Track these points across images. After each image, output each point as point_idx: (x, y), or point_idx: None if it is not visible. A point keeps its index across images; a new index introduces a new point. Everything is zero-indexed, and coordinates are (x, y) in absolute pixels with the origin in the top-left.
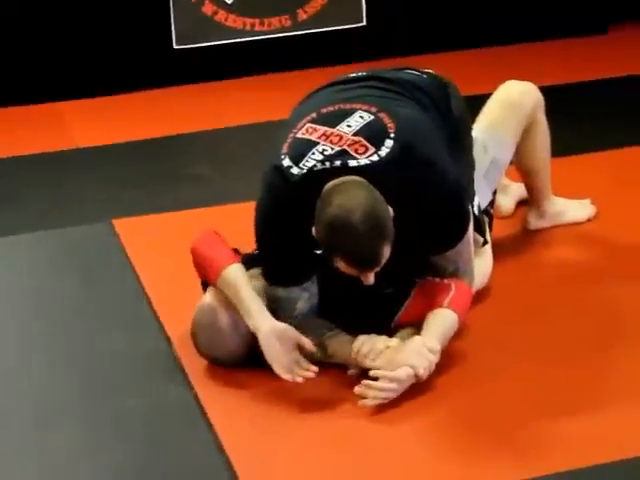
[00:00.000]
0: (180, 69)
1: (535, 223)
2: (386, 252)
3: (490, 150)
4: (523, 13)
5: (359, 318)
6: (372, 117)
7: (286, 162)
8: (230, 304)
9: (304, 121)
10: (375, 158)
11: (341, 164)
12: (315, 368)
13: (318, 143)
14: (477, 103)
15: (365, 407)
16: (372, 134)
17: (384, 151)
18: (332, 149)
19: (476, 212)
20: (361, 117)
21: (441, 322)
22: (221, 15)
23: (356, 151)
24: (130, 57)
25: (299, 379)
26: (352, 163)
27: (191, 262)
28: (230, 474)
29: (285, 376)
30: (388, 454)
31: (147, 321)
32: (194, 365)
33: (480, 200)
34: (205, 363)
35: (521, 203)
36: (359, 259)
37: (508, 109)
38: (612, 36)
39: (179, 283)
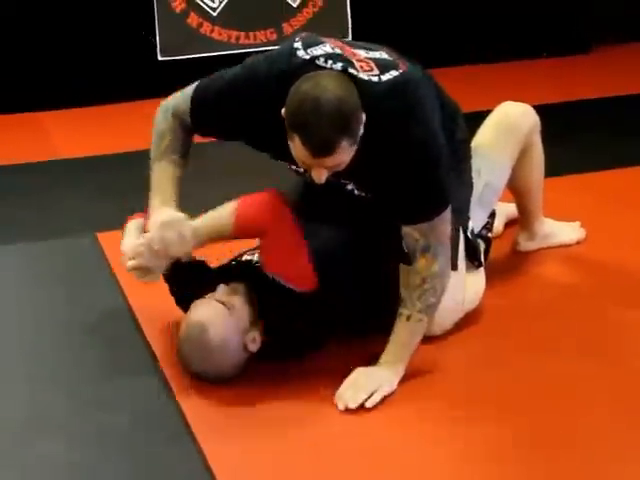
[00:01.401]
0: (164, 81)
1: (525, 244)
2: (344, 147)
3: (484, 174)
4: (508, 32)
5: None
6: (391, 59)
7: (297, 44)
8: (218, 319)
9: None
10: (374, 79)
11: (342, 67)
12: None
13: (333, 48)
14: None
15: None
16: (382, 62)
17: (386, 76)
18: (342, 55)
19: (470, 236)
20: (381, 54)
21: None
22: (206, 27)
23: (361, 67)
24: (114, 68)
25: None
26: (352, 71)
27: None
28: None
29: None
30: (380, 459)
31: (131, 335)
32: (179, 380)
33: (474, 224)
34: (190, 378)
35: (509, 223)
36: (316, 140)
37: (504, 132)
38: (595, 56)
39: (164, 297)
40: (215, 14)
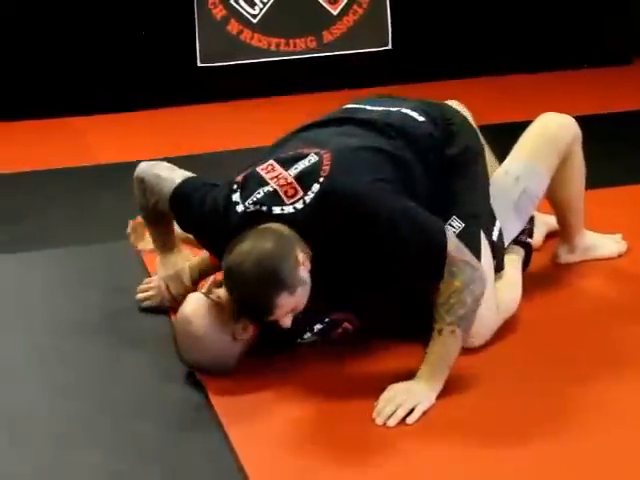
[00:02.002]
0: (204, 87)
1: (565, 257)
2: (283, 301)
3: (522, 181)
4: (548, 42)
5: None
6: (317, 159)
7: (235, 196)
8: (201, 312)
9: (272, 157)
10: (299, 206)
11: (266, 210)
12: None
13: (268, 184)
14: (501, 131)
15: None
16: (304, 176)
17: (309, 197)
18: (269, 194)
19: (494, 238)
20: (309, 160)
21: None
22: (246, 34)
23: (285, 193)
24: (155, 74)
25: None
26: (276, 210)
27: (213, 277)
28: None
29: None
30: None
31: (166, 340)
32: (215, 385)
33: (508, 230)
34: (227, 384)
35: (550, 235)
36: (249, 308)
37: (545, 143)
38: (636, 68)
39: None
40: (255, 21)
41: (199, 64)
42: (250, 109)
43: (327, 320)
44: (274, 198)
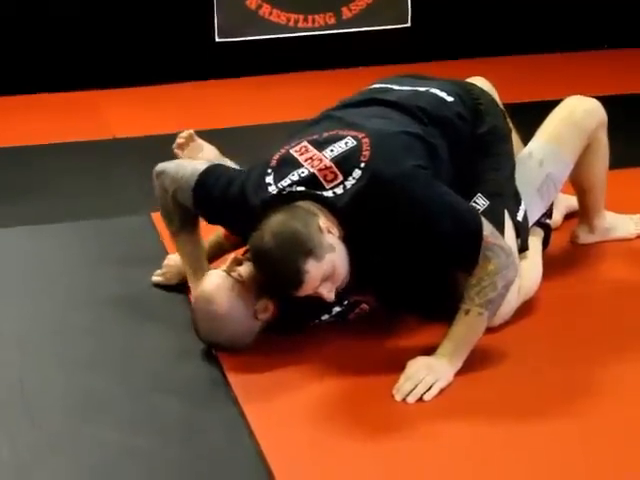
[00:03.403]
0: (221, 62)
1: (584, 238)
2: (310, 267)
3: (546, 165)
4: (569, 22)
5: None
6: (355, 143)
7: (269, 179)
8: (223, 289)
9: (305, 138)
10: (339, 191)
11: (303, 191)
12: None
13: (302, 165)
14: (521, 110)
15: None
16: (345, 161)
17: (350, 182)
18: (307, 178)
19: (519, 219)
20: (346, 143)
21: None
22: (265, 9)
23: (325, 177)
24: (172, 49)
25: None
26: (316, 193)
27: (227, 255)
28: (266, 470)
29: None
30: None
31: (184, 315)
32: (232, 362)
33: (530, 213)
34: (243, 360)
35: (569, 215)
36: (279, 282)
37: (570, 127)
38: None
39: None
40: None
41: (217, 39)
42: (267, 85)
43: (346, 303)
44: (312, 182)
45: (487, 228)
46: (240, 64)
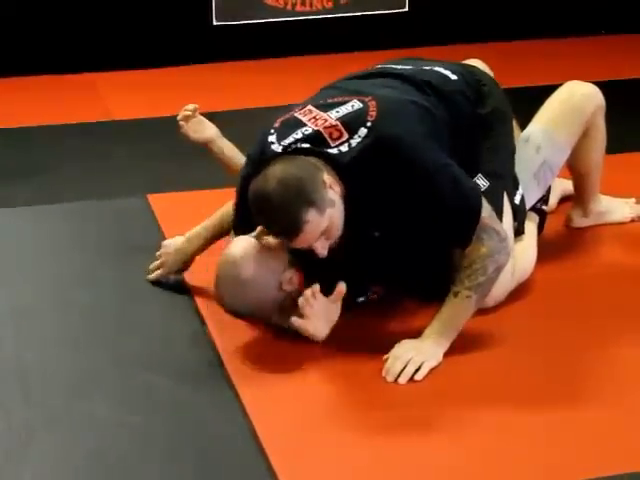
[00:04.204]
0: (219, 46)
1: (578, 221)
2: (311, 217)
3: (543, 151)
4: (567, 8)
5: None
6: (362, 105)
7: (272, 138)
8: (251, 255)
9: (309, 103)
10: (344, 149)
11: (308, 147)
12: None
13: (306, 125)
14: (518, 95)
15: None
16: (351, 120)
17: (355, 140)
18: (312, 135)
19: (517, 202)
20: (352, 105)
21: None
22: None
23: (330, 135)
24: (169, 32)
25: None
26: (320, 150)
27: (223, 240)
28: (264, 461)
29: None
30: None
31: (178, 295)
32: (227, 341)
33: (528, 198)
34: (238, 342)
35: (564, 199)
36: (280, 228)
37: (568, 112)
38: None
39: (211, 259)
40: None
41: (214, 22)
42: (265, 69)
43: (369, 294)
44: (317, 139)
45: (486, 209)
46: (238, 48)
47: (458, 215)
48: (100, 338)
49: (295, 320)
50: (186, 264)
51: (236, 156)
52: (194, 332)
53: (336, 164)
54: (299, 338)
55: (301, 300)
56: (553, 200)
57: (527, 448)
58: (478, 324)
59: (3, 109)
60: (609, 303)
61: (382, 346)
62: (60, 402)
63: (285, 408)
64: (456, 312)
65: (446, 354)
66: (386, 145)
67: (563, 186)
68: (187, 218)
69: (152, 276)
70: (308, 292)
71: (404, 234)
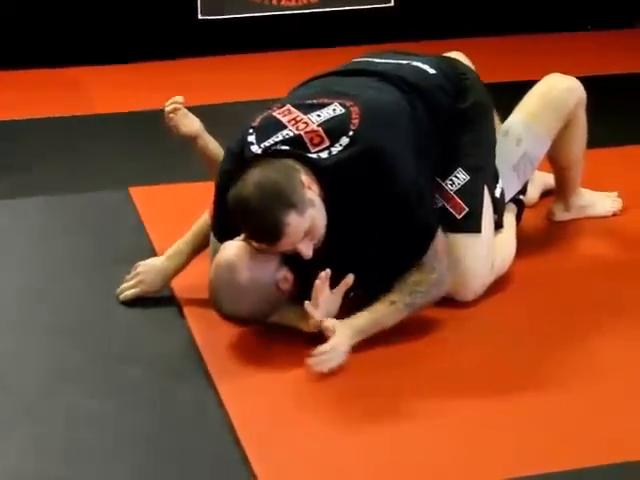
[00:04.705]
0: (204, 40)
1: (560, 215)
2: (292, 220)
3: (524, 144)
4: (554, 3)
5: None
6: (343, 111)
7: (251, 138)
8: (246, 258)
9: (287, 102)
10: (324, 155)
11: (288, 150)
12: None
13: (286, 127)
14: (503, 90)
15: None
16: (333, 127)
17: (336, 149)
18: (292, 137)
19: (497, 195)
20: (334, 110)
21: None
22: None
23: (311, 140)
24: (154, 26)
25: None
26: (300, 152)
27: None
28: (238, 451)
29: None
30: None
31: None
32: (206, 336)
33: (508, 191)
34: (216, 335)
35: (545, 193)
36: (261, 233)
37: (549, 105)
38: (638, 31)
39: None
40: None
41: (199, 17)
42: (249, 63)
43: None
44: (297, 143)
45: (443, 239)
46: (223, 42)
47: (417, 229)
48: (78, 327)
49: (308, 305)
50: (165, 283)
51: (219, 151)
52: (173, 323)
53: (315, 168)
54: (281, 331)
55: (317, 283)
56: (535, 194)
57: (513, 437)
58: (461, 314)
59: None
60: (589, 296)
61: (366, 341)
62: (36, 389)
63: (261, 399)
64: (384, 319)
65: (426, 345)
66: (367, 156)
67: (544, 180)
68: (168, 210)
69: (128, 294)
70: (323, 274)
71: (368, 242)
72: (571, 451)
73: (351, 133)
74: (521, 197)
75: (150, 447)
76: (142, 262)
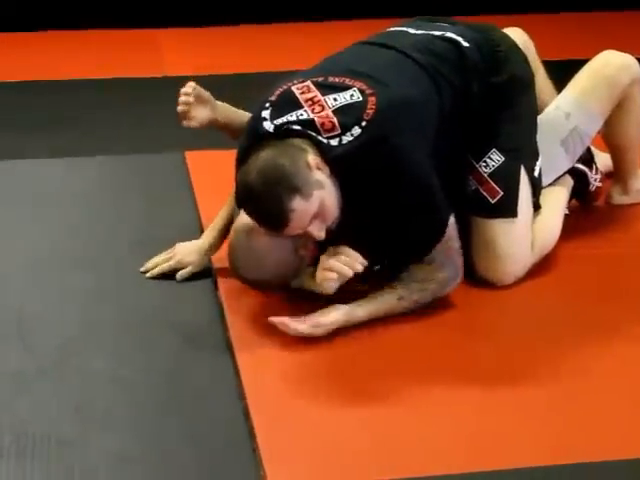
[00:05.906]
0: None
1: (618, 198)
2: (297, 205)
3: (573, 119)
4: None
5: None
6: (360, 98)
7: (265, 113)
8: None
9: (309, 78)
10: (334, 143)
11: (299, 129)
12: None
13: (301, 107)
14: (557, 68)
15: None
16: (346, 115)
17: (347, 137)
18: (306, 116)
19: (536, 174)
20: (352, 95)
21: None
22: None
23: (322, 125)
24: None
25: None
26: (311, 133)
27: None
28: (247, 422)
29: None
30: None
31: None
32: (236, 307)
33: (555, 167)
34: (249, 311)
35: (607, 175)
36: (265, 218)
37: (602, 82)
38: None
39: None
40: None
41: None
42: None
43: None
44: (309, 126)
45: (456, 239)
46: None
47: (423, 226)
48: (106, 292)
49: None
50: (203, 259)
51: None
52: (205, 292)
53: (328, 153)
54: (305, 303)
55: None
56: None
57: (528, 427)
58: (497, 297)
59: (59, 61)
60: (634, 285)
61: (384, 324)
62: (55, 352)
63: (277, 372)
64: (388, 312)
65: (456, 327)
66: (376, 150)
67: (605, 161)
68: (221, 176)
69: (165, 266)
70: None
71: (380, 229)
72: (570, 447)
73: (364, 124)
74: (584, 168)
75: (159, 411)
76: (181, 244)
